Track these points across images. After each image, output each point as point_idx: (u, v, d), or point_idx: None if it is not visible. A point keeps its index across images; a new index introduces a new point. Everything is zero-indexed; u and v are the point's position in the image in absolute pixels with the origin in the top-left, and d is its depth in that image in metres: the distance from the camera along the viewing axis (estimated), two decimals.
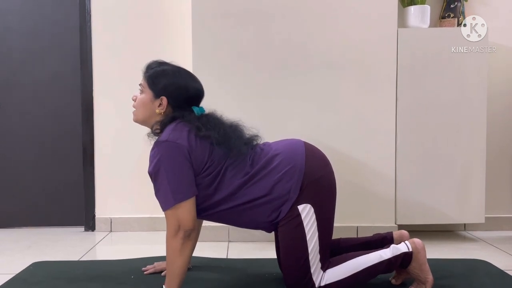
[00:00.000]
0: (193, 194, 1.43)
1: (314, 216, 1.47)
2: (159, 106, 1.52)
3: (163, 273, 1.75)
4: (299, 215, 1.45)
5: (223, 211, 1.50)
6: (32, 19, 2.66)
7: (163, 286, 1.45)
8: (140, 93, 1.56)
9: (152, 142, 1.50)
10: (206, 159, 1.45)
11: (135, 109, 1.57)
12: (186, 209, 1.41)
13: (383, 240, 1.66)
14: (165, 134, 1.45)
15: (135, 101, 1.57)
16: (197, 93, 1.57)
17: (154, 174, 1.43)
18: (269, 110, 2.29)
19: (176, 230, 1.40)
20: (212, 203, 1.49)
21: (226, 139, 1.47)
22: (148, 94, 1.53)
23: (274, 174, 1.47)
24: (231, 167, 1.47)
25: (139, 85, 1.57)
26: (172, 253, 1.41)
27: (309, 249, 1.44)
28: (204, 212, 1.51)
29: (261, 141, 1.58)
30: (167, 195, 1.40)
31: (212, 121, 1.50)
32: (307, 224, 1.45)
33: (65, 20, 2.65)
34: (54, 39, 2.66)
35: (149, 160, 1.45)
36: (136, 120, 1.58)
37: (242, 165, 1.48)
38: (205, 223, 1.83)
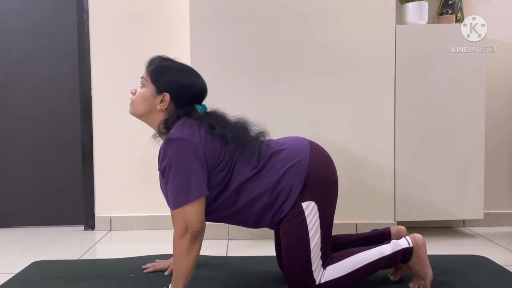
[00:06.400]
0: (203, 194, 1.41)
1: (317, 214, 1.47)
2: (160, 102, 1.50)
3: (166, 272, 1.74)
4: (302, 212, 1.45)
5: (232, 215, 1.50)
6: (30, 19, 2.65)
7: (170, 285, 1.45)
8: (141, 87, 1.53)
9: (157, 142, 1.48)
10: (219, 154, 1.44)
11: (133, 102, 1.54)
12: (195, 209, 1.39)
13: (381, 236, 1.67)
14: (176, 131, 1.42)
15: (134, 95, 1.54)
16: (201, 91, 1.55)
17: (166, 172, 1.40)
18: (268, 108, 2.28)
19: (183, 232, 1.38)
20: (221, 203, 1.47)
21: (239, 135, 1.46)
22: (150, 89, 1.50)
23: (278, 169, 1.47)
24: (239, 161, 1.47)
25: (141, 78, 1.54)
26: (179, 254, 1.40)
27: (311, 246, 1.45)
28: (214, 214, 1.50)
29: (268, 137, 1.57)
30: (177, 194, 1.38)
31: (221, 119, 1.50)
32: (310, 221, 1.45)
33: (63, 19, 2.64)
34: (52, 38, 2.66)
35: (160, 157, 1.42)
36: (133, 113, 1.55)
37: (248, 160, 1.47)
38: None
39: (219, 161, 1.45)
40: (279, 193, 1.47)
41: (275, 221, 1.51)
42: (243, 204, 1.48)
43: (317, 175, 1.49)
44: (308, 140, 1.58)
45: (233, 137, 1.45)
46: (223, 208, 1.49)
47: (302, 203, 1.46)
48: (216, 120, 1.48)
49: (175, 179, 1.38)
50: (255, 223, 1.54)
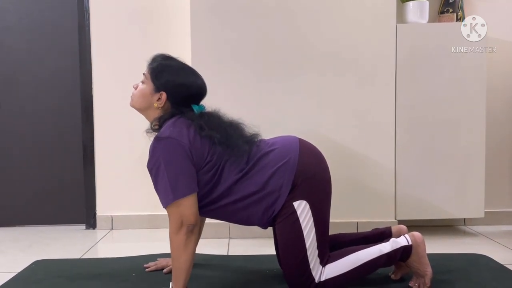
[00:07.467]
0: (193, 191, 1.43)
1: (310, 212, 1.47)
2: (157, 100, 1.53)
3: (164, 270, 1.76)
4: (294, 211, 1.46)
5: (219, 208, 1.51)
6: (30, 18, 2.65)
7: (171, 283, 1.45)
8: (142, 83, 1.57)
9: (151, 138, 1.50)
10: (206, 154, 1.46)
11: (133, 96, 1.58)
12: (188, 205, 1.41)
13: (382, 235, 1.67)
14: (166, 130, 1.45)
15: (135, 89, 1.58)
16: (199, 92, 1.57)
17: (154, 170, 1.43)
18: (268, 106, 2.29)
19: (179, 226, 1.41)
20: (209, 201, 1.50)
21: (228, 138, 1.48)
22: (149, 86, 1.54)
23: (267, 169, 1.48)
24: (229, 163, 1.48)
25: (143, 74, 1.58)
26: (176, 249, 1.42)
27: (307, 245, 1.45)
28: (202, 209, 1.52)
29: (260, 138, 1.59)
30: (166, 192, 1.41)
31: (213, 121, 1.51)
32: (303, 221, 1.46)
33: (64, 18, 2.64)
34: (53, 37, 2.66)
35: (149, 155, 1.46)
36: (132, 106, 1.60)
37: (238, 162, 1.48)
38: (207, 220, 1.83)
39: (206, 162, 1.46)
40: (268, 194, 1.48)
41: (267, 220, 1.52)
42: (232, 205, 1.49)
43: (307, 174, 1.49)
44: (299, 138, 1.59)
45: (222, 140, 1.47)
46: (212, 206, 1.51)
47: (294, 203, 1.47)
48: (207, 122, 1.49)
49: (164, 177, 1.41)
50: (245, 222, 1.56)
